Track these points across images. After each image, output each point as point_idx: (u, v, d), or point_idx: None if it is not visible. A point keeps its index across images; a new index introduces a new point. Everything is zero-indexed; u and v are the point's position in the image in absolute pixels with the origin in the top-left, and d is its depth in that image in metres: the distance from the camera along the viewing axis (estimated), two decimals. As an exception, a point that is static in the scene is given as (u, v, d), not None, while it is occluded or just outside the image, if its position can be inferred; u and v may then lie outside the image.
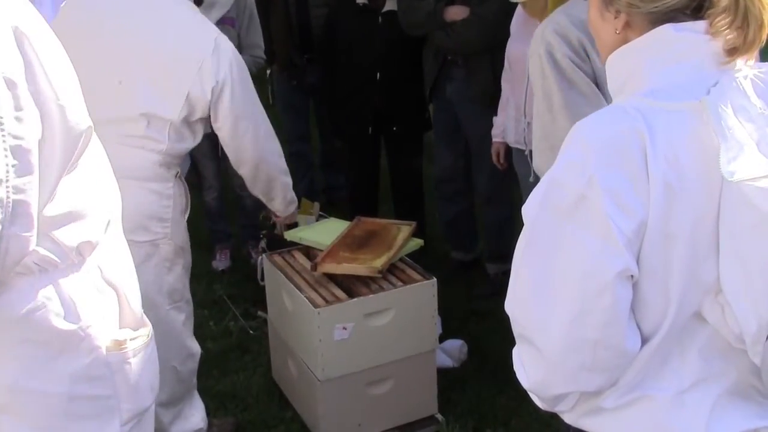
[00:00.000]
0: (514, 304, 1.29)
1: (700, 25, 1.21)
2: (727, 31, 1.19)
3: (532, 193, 1.27)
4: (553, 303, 1.22)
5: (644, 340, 1.24)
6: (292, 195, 2.92)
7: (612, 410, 1.29)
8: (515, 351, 1.34)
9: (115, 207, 1.65)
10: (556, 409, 1.35)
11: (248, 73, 2.59)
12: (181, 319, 2.65)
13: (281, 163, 2.77)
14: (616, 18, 1.28)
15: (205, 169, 4.33)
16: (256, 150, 2.61)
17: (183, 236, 2.60)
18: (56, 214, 1.46)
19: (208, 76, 2.41)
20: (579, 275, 1.19)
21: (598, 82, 2.09)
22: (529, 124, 3.26)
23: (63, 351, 1.52)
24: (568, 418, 1.37)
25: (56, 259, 1.47)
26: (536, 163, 2.21)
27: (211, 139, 4.19)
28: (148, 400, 1.69)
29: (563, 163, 1.22)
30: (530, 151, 3.30)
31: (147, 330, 1.70)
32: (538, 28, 2.17)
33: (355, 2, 4.04)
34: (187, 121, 2.48)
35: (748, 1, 1.18)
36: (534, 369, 1.29)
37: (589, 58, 2.08)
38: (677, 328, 1.23)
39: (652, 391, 1.26)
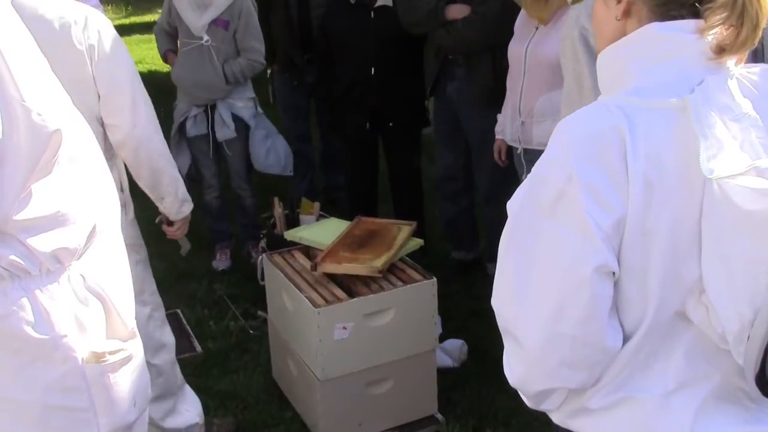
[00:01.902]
0: (498, 300, 1.30)
1: (689, 24, 1.21)
2: (719, 29, 1.19)
3: (518, 188, 1.28)
4: (533, 298, 1.23)
5: (626, 338, 1.25)
6: (184, 192, 2.67)
7: (597, 411, 1.29)
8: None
9: (106, 213, 1.61)
10: (542, 407, 1.35)
11: (124, 48, 2.44)
12: (146, 311, 2.62)
13: (165, 151, 2.56)
14: (618, 3, 1.28)
15: (205, 169, 4.34)
16: (134, 130, 2.43)
17: (129, 233, 2.48)
18: (28, 218, 1.42)
19: (86, 51, 2.32)
20: (557, 271, 1.20)
21: None
22: (523, 123, 3.28)
23: (35, 360, 1.49)
24: (555, 418, 1.37)
25: (25, 264, 1.44)
26: None
27: (209, 139, 4.23)
28: (131, 415, 1.65)
29: (546, 159, 1.24)
30: (523, 150, 3.32)
31: (136, 343, 1.67)
32: (571, 12, 2.18)
33: None
34: None
35: (747, 0, 1.17)
36: (517, 364, 1.30)
37: None
38: (660, 327, 1.23)
39: (637, 392, 1.26)
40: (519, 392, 1.36)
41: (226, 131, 4.21)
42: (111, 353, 1.58)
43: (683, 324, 1.23)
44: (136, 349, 1.66)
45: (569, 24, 2.14)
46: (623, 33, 1.29)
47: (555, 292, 1.21)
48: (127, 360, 1.61)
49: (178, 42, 4.24)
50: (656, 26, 1.23)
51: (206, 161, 4.31)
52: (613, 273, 1.20)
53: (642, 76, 1.23)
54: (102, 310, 1.58)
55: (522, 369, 1.29)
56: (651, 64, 1.23)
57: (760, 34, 1.20)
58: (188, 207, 2.71)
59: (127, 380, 1.61)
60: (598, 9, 1.34)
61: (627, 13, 1.28)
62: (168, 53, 4.40)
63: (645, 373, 1.26)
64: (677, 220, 1.17)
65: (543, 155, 1.25)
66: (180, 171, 4.30)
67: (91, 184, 1.56)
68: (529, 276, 1.23)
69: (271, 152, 4.35)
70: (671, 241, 1.18)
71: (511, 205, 1.27)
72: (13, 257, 1.42)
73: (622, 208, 1.17)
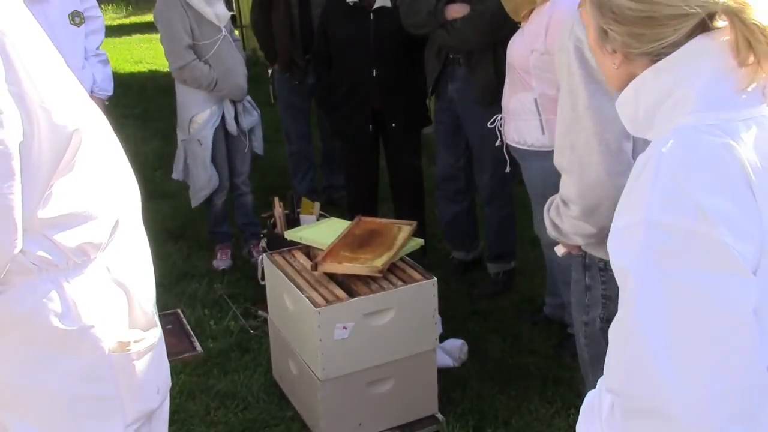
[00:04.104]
0: (627, 378, 1.13)
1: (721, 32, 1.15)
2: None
3: (618, 242, 1.14)
4: (685, 360, 1.07)
5: None
6: None
7: None
8: None
9: (128, 207, 1.64)
10: None
11: None
12: None
13: None
14: (613, 54, 1.23)
15: (221, 171, 4.23)
16: None
17: None
18: (53, 215, 1.45)
19: None
20: (713, 320, 1.06)
21: None
22: (503, 118, 3.32)
23: (64, 350, 1.52)
24: None
25: (53, 259, 1.47)
26: (556, 161, 2.12)
27: (225, 143, 4.20)
28: (155, 401, 1.69)
29: (656, 199, 1.09)
30: (505, 144, 3.33)
31: (156, 332, 1.70)
32: (567, 21, 2.08)
33: (345, 1, 4.05)
34: None
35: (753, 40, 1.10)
36: None
37: None
38: None
39: None
40: None
41: (250, 118, 4.23)
42: (135, 342, 1.61)
43: None
44: (157, 337, 1.70)
45: (564, 35, 2.01)
46: (630, 75, 1.22)
47: (714, 344, 1.06)
48: (150, 348, 1.65)
49: (197, 49, 4.00)
50: (705, 37, 1.15)
51: (223, 163, 4.23)
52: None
53: (703, 90, 1.14)
54: (126, 300, 1.62)
55: None
56: (700, 82, 1.15)
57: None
58: None
59: (150, 368, 1.65)
60: (593, 47, 1.27)
61: (625, 61, 1.21)
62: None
63: None
64: None
65: (645, 196, 1.10)
66: (205, 188, 4.21)
67: (112, 179, 1.60)
68: (677, 336, 1.07)
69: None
70: None
71: (625, 264, 1.12)
72: (40, 252, 1.45)
73: (759, 232, 1.06)
